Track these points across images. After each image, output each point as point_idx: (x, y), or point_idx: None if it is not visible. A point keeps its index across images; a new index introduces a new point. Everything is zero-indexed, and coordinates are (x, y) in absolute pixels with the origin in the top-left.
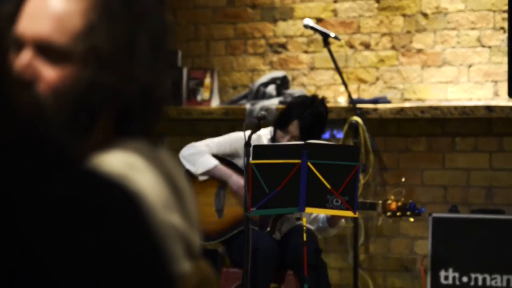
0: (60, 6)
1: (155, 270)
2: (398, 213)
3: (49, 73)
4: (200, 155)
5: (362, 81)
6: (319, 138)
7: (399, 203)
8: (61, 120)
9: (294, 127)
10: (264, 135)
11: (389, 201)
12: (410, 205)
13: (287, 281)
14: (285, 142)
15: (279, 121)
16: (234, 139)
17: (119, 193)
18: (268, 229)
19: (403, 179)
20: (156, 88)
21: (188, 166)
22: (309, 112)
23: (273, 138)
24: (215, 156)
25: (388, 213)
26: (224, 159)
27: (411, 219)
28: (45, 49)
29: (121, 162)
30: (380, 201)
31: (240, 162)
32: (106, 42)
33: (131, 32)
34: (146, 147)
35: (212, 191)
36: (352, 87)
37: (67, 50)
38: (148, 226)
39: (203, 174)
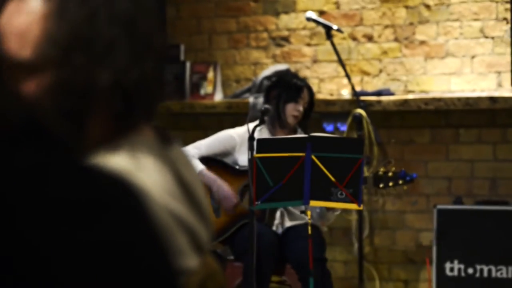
0: (20, 20)
1: (157, 266)
2: (391, 183)
3: (26, 86)
4: None
5: (365, 73)
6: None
7: (390, 173)
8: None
9: (305, 93)
10: (245, 132)
11: (380, 173)
12: (400, 173)
13: (288, 273)
14: (297, 114)
15: (290, 95)
16: (222, 138)
17: (121, 190)
18: (266, 222)
19: (393, 140)
20: (132, 79)
21: None
22: (300, 78)
23: (273, 125)
24: (206, 158)
25: (381, 185)
26: (215, 159)
27: (405, 187)
28: (17, 65)
29: (125, 159)
30: (371, 174)
31: (231, 159)
32: (62, 45)
33: (90, 29)
34: (151, 142)
35: (207, 192)
36: (355, 79)
37: (32, 61)
38: (150, 222)
39: None
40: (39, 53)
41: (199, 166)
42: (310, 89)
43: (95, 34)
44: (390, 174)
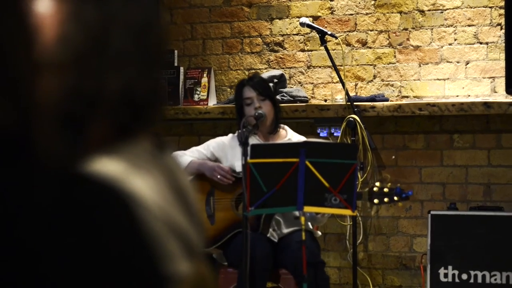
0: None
1: (147, 273)
2: (386, 199)
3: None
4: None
5: (359, 78)
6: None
7: (385, 189)
8: (48, 131)
9: (247, 90)
10: (232, 139)
11: (375, 189)
12: (396, 190)
13: (283, 279)
14: (258, 111)
15: (239, 101)
16: (215, 144)
17: (112, 197)
18: (260, 231)
19: (393, 157)
20: (140, 88)
21: None
22: (248, 77)
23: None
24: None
25: (376, 201)
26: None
27: (400, 204)
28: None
29: (118, 163)
30: (367, 189)
31: (228, 165)
32: (76, 48)
33: (105, 35)
34: (146, 147)
35: (202, 198)
36: (350, 85)
37: (43, 62)
38: (140, 229)
39: None
40: (51, 54)
41: (188, 159)
42: (252, 84)
43: (110, 40)
44: (385, 190)
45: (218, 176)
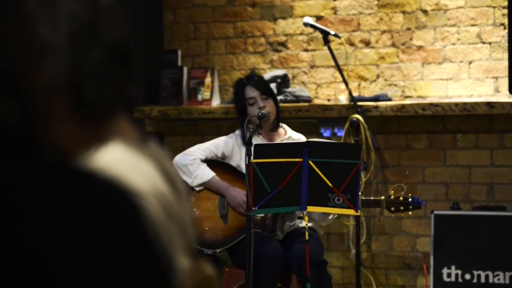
0: None
1: (151, 272)
2: (402, 208)
3: None
4: (197, 167)
5: (362, 78)
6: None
7: (401, 198)
8: (50, 126)
9: (249, 90)
10: (237, 139)
11: (392, 197)
12: (413, 200)
13: (292, 281)
14: (262, 111)
15: (241, 101)
16: (222, 142)
17: (116, 195)
18: (272, 233)
19: (404, 184)
20: (74, 73)
21: (183, 177)
22: (246, 76)
23: (245, 131)
24: (216, 161)
25: (392, 208)
26: (217, 160)
27: (410, 213)
28: None
29: (116, 159)
30: (383, 197)
31: (235, 163)
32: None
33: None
34: (134, 140)
35: (216, 197)
36: (353, 84)
37: None
38: (145, 227)
39: (199, 186)
40: None
41: (210, 173)
42: (254, 83)
43: (35, 31)
44: (401, 198)
45: (241, 210)
